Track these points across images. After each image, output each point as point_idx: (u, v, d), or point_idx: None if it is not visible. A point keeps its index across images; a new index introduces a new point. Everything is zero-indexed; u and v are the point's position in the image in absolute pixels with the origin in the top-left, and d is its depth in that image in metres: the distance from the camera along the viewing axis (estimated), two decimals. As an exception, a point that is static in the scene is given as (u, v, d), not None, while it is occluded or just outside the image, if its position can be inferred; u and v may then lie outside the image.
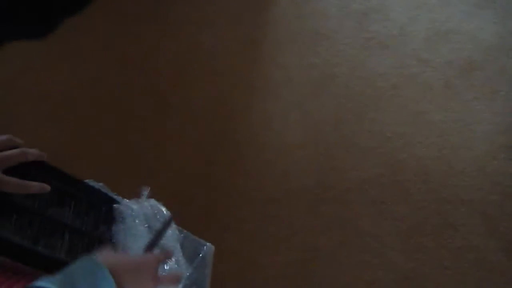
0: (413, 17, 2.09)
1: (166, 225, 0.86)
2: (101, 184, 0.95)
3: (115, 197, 0.90)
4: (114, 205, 0.88)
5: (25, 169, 0.77)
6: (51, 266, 0.71)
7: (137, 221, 0.86)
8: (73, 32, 2.33)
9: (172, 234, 0.90)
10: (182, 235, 0.94)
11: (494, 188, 1.70)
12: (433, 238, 1.64)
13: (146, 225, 0.87)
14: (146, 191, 0.84)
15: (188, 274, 0.88)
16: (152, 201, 0.95)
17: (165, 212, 0.91)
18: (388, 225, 1.68)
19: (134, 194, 0.96)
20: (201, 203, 1.78)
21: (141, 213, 0.83)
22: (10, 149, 0.77)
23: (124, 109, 2.05)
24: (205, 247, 0.95)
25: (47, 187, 0.76)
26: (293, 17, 2.20)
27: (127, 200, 0.89)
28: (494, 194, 1.69)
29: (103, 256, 0.67)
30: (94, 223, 0.82)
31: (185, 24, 2.27)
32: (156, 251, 0.81)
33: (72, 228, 0.79)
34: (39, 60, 2.26)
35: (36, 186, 0.76)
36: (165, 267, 0.87)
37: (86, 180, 0.91)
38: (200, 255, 0.94)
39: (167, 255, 0.82)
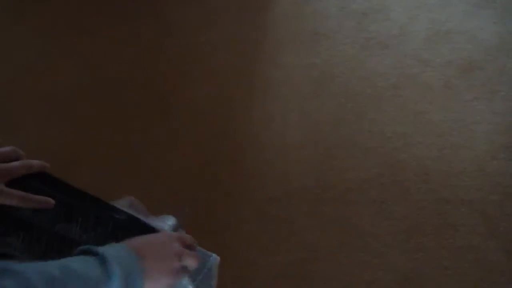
0: (413, 17, 2.09)
1: (184, 215, 0.86)
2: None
3: (127, 211, 0.89)
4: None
5: (28, 181, 0.76)
6: None
7: None
8: (73, 32, 2.33)
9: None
10: None
11: (494, 188, 1.70)
12: (433, 238, 1.64)
13: None
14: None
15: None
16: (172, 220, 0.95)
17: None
18: (388, 225, 1.68)
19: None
20: (201, 203, 1.78)
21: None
22: (13, 160, 0.77)
23: (124, 109, 2.05)
24: (211, 258, 0.94)
25: (51, 201, 0.75)
26: (293, 17, 2.20)
27: (144, 218, 0.89)
28: (494, 194, 1.69)
29: (127, 242, 0.70)
30: (102, 238, 0.81)
31: (185, 24, 2.27)
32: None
33: (80, 244, 0.78)
34: (39, 60, 2.26)
35: (41, 200, 0.75)
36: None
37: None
38: (206, 267, 0.93)
39: (188, 243, 0.81)
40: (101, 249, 0.63)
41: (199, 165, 1.87)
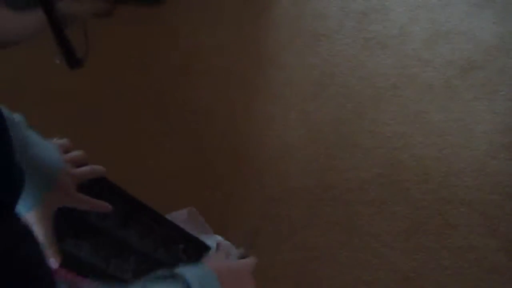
0: (413, 17, 2.09)
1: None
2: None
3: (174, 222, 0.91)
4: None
5: (91, 187, 0.78)
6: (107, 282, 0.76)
7: None
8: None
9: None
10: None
11: (494, 188, 1.70)
12: (433, 238, 1.64)
13: None
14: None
15: None
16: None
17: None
18: (388, 225, 1.68)
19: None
20: (201, 203, 1.78)
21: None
22: (82, 165, 0.79)
23: (124, 109, 2.05)
24: None
25: (109, 207, 0.77)
26: (293, 17, 2.20)
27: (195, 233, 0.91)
28: (494, 194, 1.69)
29: (209, 263, 0.71)
30: (153, 245, 0.83)
31: (186, 24, 2.27)
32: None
33: (136, 250, 0.80)
34: (41, 60, 2.26)
35: (102, 205, 0.77)
36: None
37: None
38: None
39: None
40: (184, 273, 0.63)
41: (199, 165, 1.87)
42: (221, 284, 0.66)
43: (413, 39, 2.04)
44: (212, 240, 0.92)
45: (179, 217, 0.94)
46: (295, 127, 1.90)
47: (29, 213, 0.69)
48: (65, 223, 0.73)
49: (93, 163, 0.86)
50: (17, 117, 0.76)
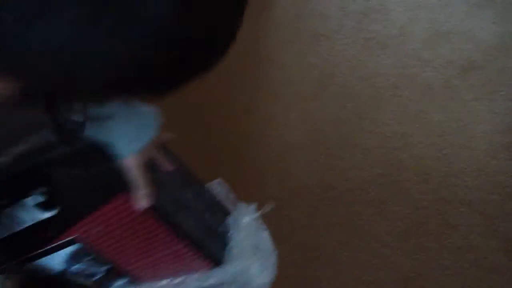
0: (413, 17, 2.09)
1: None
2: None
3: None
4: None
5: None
6: (180, 235, 0.84)
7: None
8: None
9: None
10: None
11: (494, 188, 1.70)
12: (433, 238, 1.64)
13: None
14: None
15: None
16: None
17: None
18: (388, 225, 1.68)
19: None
20: (201, 203, 1.79)
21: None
22: None
23: (124, 109, 2.05)
24: None
25: (173, 167, 0.90)
26: (292, 17, 2.20)
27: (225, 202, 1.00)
28: (494, 194, 1.69)
29: None
30: (203, 207, 0.93)
31: (185, 24, 2.27)
32: None
33: (190, 208, 0.89)
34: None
35: (168, 164, 0.88)
36: None
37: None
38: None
39: None
40: None
41: (198, 165, 1.87)
42: None
43: (413, 39, 2.04)
44: (244, 211, 1.04)
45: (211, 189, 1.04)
46: (295, 127, 1.90)
47: (131, 157, 0.77)
48: None
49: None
50: None
